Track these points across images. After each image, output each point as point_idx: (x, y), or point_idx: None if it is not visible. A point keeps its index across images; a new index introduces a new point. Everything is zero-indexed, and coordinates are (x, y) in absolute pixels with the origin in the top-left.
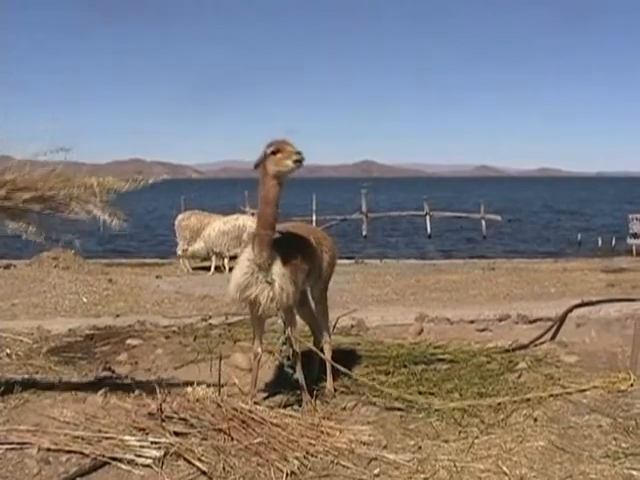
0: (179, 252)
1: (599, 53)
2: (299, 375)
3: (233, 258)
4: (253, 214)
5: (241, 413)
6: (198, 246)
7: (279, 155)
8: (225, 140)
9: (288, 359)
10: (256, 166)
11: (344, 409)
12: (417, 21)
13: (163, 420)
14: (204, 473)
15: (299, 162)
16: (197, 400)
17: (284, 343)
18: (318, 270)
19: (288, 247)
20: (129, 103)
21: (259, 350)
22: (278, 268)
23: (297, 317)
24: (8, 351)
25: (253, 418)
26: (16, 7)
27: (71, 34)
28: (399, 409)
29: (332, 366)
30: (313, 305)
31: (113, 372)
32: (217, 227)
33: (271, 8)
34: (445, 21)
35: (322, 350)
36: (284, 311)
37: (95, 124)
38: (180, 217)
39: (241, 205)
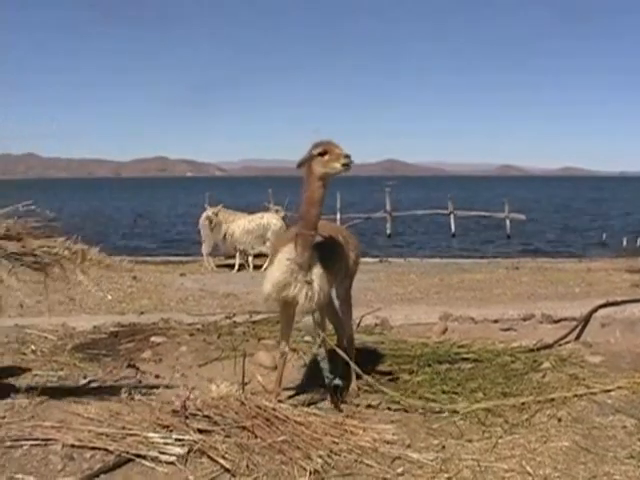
0: (204, 250)
1: (625, 55)
2: (337, 381)
3: (257, 256)
4: (277, 211)
5: (265, 411)
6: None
7: (327, 157)
8: (247, 139)
9: (326, 362)
10: (299, 165)
11: (368, 408)
12: (439, 20)
13: (187, 417)
14: (227, 470)
15: (347, 165)
16: (221, 398)
17: (320, 346)
18: (345, 269)
19: (323, 247)
20: (153, 102)
21: (286, 349)
22: (318, 268)
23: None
24: (33, 348)
25: (277, 416)
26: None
27: (85, 34)
28: (423, 408)
29: (356, 365)
30: (337, 304)
31: (137, 369)
32: (242, 225)
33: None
34: (470, 17)
35: (345, 349)
36: (319, 311)
37: (119, 122)
38: (204, 215)
39: (266, 202)
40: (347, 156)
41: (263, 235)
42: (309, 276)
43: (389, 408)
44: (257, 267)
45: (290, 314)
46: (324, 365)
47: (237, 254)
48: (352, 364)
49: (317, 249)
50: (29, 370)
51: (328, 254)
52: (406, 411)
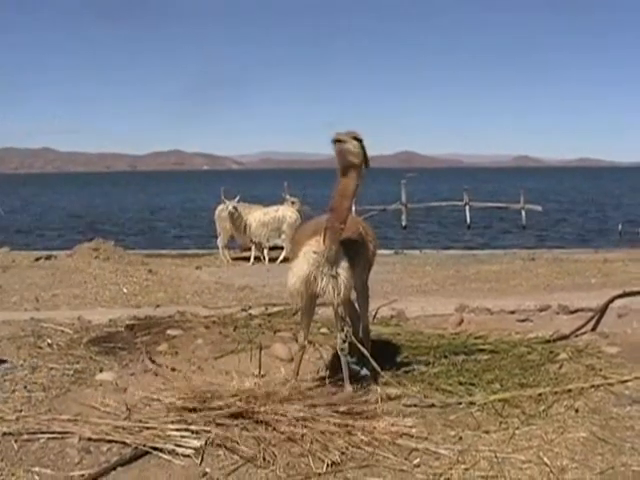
0: (219, 243)
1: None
2: (363, 371)
3: (272, 249)
4: (293, 204)
5: (281, 403)
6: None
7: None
8: (263, 132)
9: (352, 355)
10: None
11: (385, 399)
12: (453, 15)
13: (203, 410)
14: (247, 461)
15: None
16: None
17: (345, 340)
18: (364, 261)
19: (347, 240)
20: (169, 96)
21: (305, 342)
22: (344, 262)
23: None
24: (49, 341)
25: (294, 408)
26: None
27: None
28: (440, 400)
29: (372, 356)
30: (354, 295)
31: (154, 362)
32: (257, 217)
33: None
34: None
35: (361, 340)
36: (344, 304)
37: (136, 115)
38: (220, 208)
39: (282, 194)
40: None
41: (279, 228)
42: (335, 270)
43: (406, 400)
44: (272, 260)
45: (312, 307)
46: (349, 358)
47: (252, 247)
48: (369, 356)
49: (342, 243)
50: (45, 363)
51: (352, 247)
52: (423, 403)
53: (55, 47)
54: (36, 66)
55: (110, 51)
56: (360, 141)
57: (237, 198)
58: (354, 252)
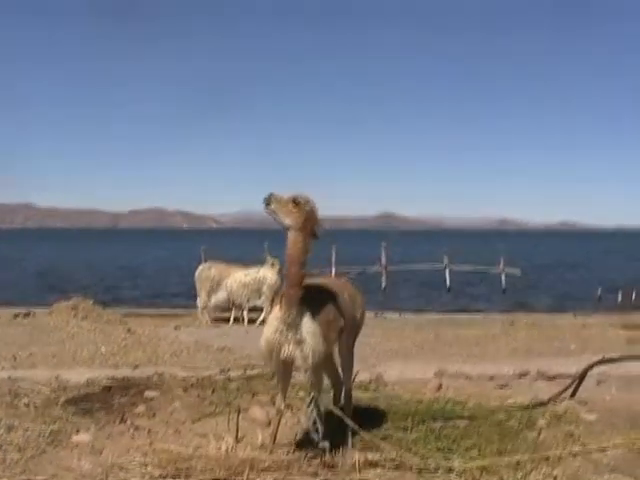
0: (199, 304)
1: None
2: (323, 443)
3: (252, 310)
4: (273, 265)
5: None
6: (221, 296)
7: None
8: (242, 190)
9: (314, 423)
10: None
11: (364, 465)
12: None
13: (180, 477)
14: None
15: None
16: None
17: (309, 404)
18: (350, 326)
19: (320, 303)
20: (149, 152)
21: (282, 406)
22: (308, 326)
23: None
24: (26, 400)
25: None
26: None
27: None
28: (417, 467)
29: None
30: (339, 361)
31: (131, 424)
32: (238, 278)
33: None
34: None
35: (342, 407)
36: (313, 370)
37: (115, 172)
38: (200, 268)
39: (264, 254)
40: (271, 194)
41: (259, 289)
42: (300, 335)
43: (384, 466)
44: (252, 321)
45: (287, 371)
46: (312, 426)
47: (232, 307)
48: (349, 422)
49: (310, 307)
50: (21, 423)
51: (325, 311)
52: (401, 469)
53: (32, 102)
54: (17, 120)
55: (90, 106)
56: (297, 204)
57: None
58: (334, 316)
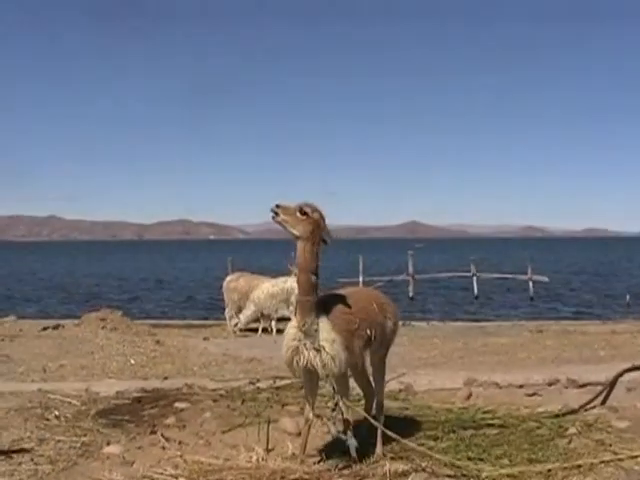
0: (227, 314)
1: None
2: (351, 441)
3: (280, 320)
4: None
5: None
6: (249, 311)
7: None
8: (269, 200)
9: (336, 424)
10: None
11: (394, 474)
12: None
13: None
14: None
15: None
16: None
17: (333, 409)
18: (380, 337)
19: (342, 312)
20: (175, 163)
21: (310, 415)
22: (327, 334)
23: (350, 381)
24: (57, 413)
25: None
26: None
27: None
28: (448, 476)
29: (382, 432)
30: (370, 370)
31: (161, 436)
32: (266, 289)
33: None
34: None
35: (374, 416)
36: (335, 377)
37: (144, 184)
38: (228, 279)
39: (289, 265)
40: (277, 205)
41: (287, 299)
42: (317, 343)
43: (414, 475)
44: (280, 331)
45: (312, 380)
46: (335, 427)
47: (260, 318)
48: (385, 430)
49: (329, 315)
50: (52, 436)
51: (346, 320)
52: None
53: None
54: (40, 132)
55: (115, 119)
56: (306, 214)
57: (238, 274)
58: (359, 326)
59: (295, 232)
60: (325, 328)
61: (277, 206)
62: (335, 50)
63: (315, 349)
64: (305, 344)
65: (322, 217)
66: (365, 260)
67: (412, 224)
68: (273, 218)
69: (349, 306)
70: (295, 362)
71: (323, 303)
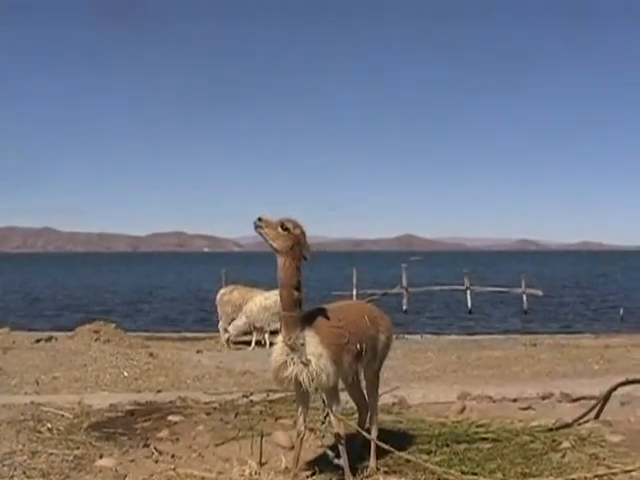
0: (221, 327)
1: None
2: (342, 456)
3: (274, 333)
4: None
5: None
6: (240, 322)
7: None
8: (263, 212)
9: (327, 437)
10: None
11: None
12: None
13: None
14: None
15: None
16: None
17: (323, 422)
18: (372, 350)
19: (331, 327)
20: (169, 175)
21: (302, 428)
22: (313, 348)
23: (344, 394)
24: (49, 426)
25: None
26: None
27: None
28: None
29: (376, 446)
30: (364, 384)
31: (154, 449)
32: (259, 302)
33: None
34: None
35: (368, 429)
36: (325, 391)
37: (139, 196)
38: (222, 291)
39: None
40: (259, 219)
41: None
42: (304, 357)
43: None
44: (274, 344)
45: (303, 393)
46: (325, 442)
47: (254, 331)
48: (380, 444)
49: (315, 329)
50: (45, 449)
51: (333, 334)
52: None
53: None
54: (34, 144)
55: (109, 125)
56: (287, 230)
57: (232, 287)
58: (348, 340)
59: (275, 245)
60: (312, 342)
61: (259, 219)
62: (324, 69)
63: (302, 363)
64: (292, 358)
65: (303, 233)
66: (360, 273)
67: (407, 237)
68: (256, 229)
69: (339, 320)
70: (283, 376)
71: (312, 317)
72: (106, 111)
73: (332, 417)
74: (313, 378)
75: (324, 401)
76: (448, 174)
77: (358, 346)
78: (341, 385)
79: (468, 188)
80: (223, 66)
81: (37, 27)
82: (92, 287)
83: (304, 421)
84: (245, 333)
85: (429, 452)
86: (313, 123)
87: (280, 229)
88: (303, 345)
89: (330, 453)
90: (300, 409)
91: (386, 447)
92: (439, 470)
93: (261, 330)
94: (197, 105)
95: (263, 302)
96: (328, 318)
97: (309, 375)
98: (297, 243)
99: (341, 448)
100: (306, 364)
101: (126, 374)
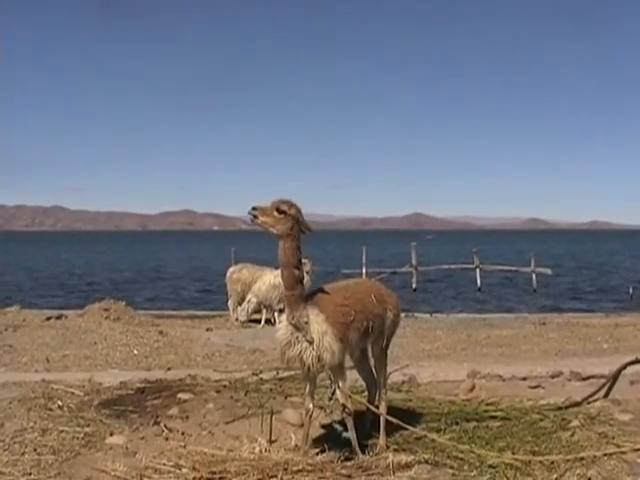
0: (230, 305)
1: None
2: (350, 432)
3: (283, 311)
4: (304, 265)
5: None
6: (250, 303)
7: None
8: (272, 192)
9: (334, 413)
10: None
11: (397, 466)
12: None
13: (219, 478)
14: None
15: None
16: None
17: (330, 399)
18: (379, 328)
19: (337, 305)
20: (178, 154)
21: (310, 406)
22: (318, 326)
23: (354, 372)
24: (60, 403)
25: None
26: None
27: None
28: (451, 467)
29: (385, 423)
30: (372, 362)
31: (165, 426)
32: (268, 280)
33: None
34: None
35: (377, 407)
36: (331, 368)
37: (148, 174)
38: (231, 270)
39: None
40: (254, 208)
41: None
42: (309, 335)
43: (417, 467)
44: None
45: (309, 371)
46: (333, 417)
47: (263, 309)
48: (391, 418)
49: (319, 307)
50: (55, 426)
51: (346, 311)
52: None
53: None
54: (44, 122)
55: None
56: (283, 212)
57: (241, 265)
58: (354, 317)
59: (276, 232)
60: (317, 320)
61: (254, 208)
62: (336, 50)
63: (307, 341)
64: (297, 337)
65: (299, 211)
66: (369, 252)
67: (416, 216)
68: (252, 221)
69: (345, 298)
70: (289, 355)
71: (317, 296)
72: (117, 94)
73: (339, 393)
74: (318, 356)
75: (330, 378)
76: (458, 153)
77: (364, 324)
78: (350, 363)
79: (478, 167)
80: (228, 51)
81: (57, 14)
82: (102, 265)
83: (312, 399)
84: (256, 311)
85: (439, 430)
86: (319, 104)
87: (277, 213)
88: (307, 323)
89: (339, 427)
90: (308, 387)
91: (395, 421)
92: (450, 445)
93: (270, 308)
94: (205, 89)
95: (272, 280)
96: (333, 297)
97: (314, 353)
98: (295, 223)
99: (349, 422)
100: (311, 342)
101: (136, 352)
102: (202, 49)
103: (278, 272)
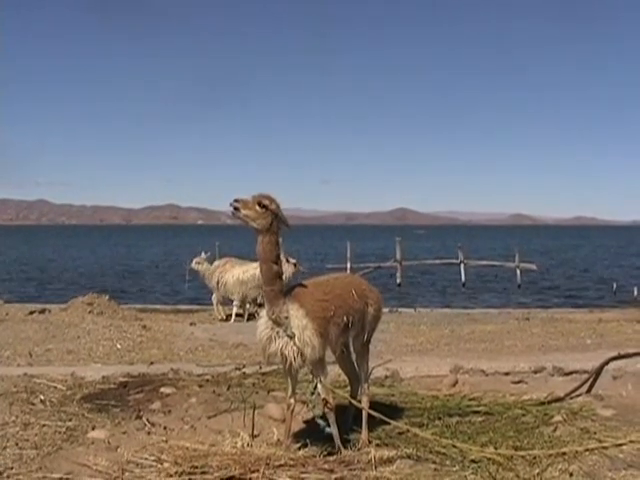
0: (214, 300)
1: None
2: (332, 427)
3: (261, 306)
4: (288, 260)
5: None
6: (214, 298)
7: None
8: (256, 187)
9: (317, 408)
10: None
11: (379, 461)
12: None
13: (195, 474)
14: None
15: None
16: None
17: (312, 393)
18: (359, 323)
19: (317, 300)
20: (162, 148)
21: (292, 401)
22: (298, 321)
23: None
24: (42, 397)
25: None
26: None
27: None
28: (433, 462)
29: (367, 418)
30: (353, 356)
31: (147, 421)
32: (236, 275)
33: None
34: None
35: (359, 401)
36: (311, 363)
37: (132, 169)
38: (215, 264)
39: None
40: (236, 200)
41: (259, 286)
42: (289, 330)
43: (399, 462)
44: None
45: (291, 366)
46: (316, 412)
47: (247, 304)
48: (373, 413)
49: (299, 302)
50: (37, 420)
51: (326, 306)
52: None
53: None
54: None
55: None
56: (264, 207)
57: (203, 255)
58: (334, 312)
59: (256, 226)
60: (297, 315)
61: (236, 200)
62: (326, 49)
63: (288, 336)
64: (277, 332)
65: (278, 207)
66: (354, 246)
67: (401, 211)
68: (233, 214)
69: (325, 293)
70: (269, 350)
71: (297, 291)
72: (103, 89)
73: (320, 388)
74: (298, 351)
75: (312, 372)
76: (443, 148)
77: (344, 319)
78: (331, 358)
79: (463, 163)
80: (219, 48)
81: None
82: (85, 260)
83: (294, 394)
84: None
85: (421, 425)
86: (309, 100)
87: (258, 207)
88: (287, 318)
89: (321, 422)
90: (289, 382)
91: (377, 416)
92: (432, 440)
93: (254, 302)
94: (192, 84)
95: (240, 276)
96: (313, 291)
97: (295, 348)
98: (275, 218)
99: (330, 417)
100: (291, 337)
101: (119, 346)
102: (189, 45)
103: (247, 267)
